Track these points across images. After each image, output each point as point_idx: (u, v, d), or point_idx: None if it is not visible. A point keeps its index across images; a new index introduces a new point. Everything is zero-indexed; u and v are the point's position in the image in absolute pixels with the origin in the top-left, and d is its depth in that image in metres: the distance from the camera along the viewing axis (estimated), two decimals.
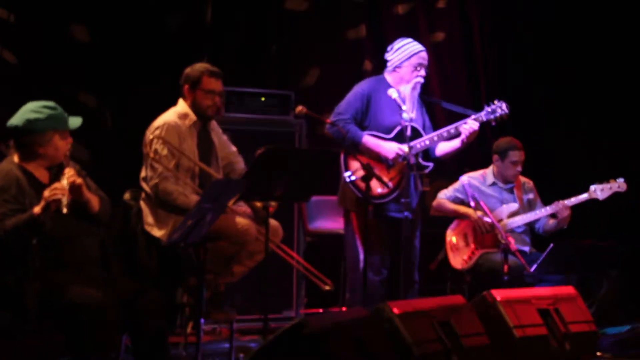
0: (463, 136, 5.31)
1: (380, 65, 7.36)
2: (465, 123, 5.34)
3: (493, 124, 5.42)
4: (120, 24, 6.44)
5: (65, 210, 3.98)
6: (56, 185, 4.03)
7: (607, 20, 7.55)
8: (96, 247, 4.38)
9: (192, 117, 4.94)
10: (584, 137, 7.56)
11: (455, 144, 5.41)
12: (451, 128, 5.35)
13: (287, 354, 3.56)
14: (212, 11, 6.88)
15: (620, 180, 5.95)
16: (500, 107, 5.39)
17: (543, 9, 7.70)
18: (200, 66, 4.97)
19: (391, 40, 5.54)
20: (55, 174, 4.24)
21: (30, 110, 4.18)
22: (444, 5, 7.87)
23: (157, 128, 4.85)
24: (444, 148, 5.47)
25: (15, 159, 4.23)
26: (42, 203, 4.00)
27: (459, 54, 7.89)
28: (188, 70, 4.99)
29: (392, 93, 5.28)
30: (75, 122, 4.31)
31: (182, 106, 4.97)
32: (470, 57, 7.92)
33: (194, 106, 4.95)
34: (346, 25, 7.53)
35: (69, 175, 4.10)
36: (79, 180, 4.12)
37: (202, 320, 4.66)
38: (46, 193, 4.00)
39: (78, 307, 3.97)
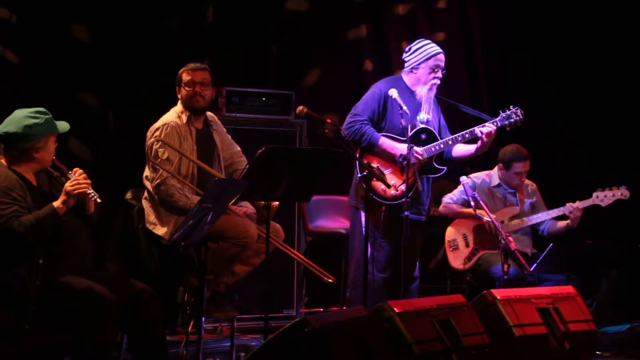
0: (483, 136, 5.27)
1: (380, 65, 7.44)
2: (483, 126, 5.33)
3: (507, 129, 5.41)
4: (121, 24, 6.45)
5: (99, 200, 4.12)
6: (78, 179, 4.08)
7: (609, 20, 7.54)
8: (89, 242, 4.40)
9: (187, 113, 5.01)
10: (585, 138, 7.55)
11: (471, 148, 5.42)
12: (466, 133, 5.34)
13: (288, 353, 3.57)
14: (213, 11, 6.89)
15: (623, 187, 5.95)
16: (515, 113, 5.37)
17: (543, 9, 7.71)
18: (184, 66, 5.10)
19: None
20: (49, 176, 4.28)
21: (25, 117, 4.16)
22: (444, 5, 7.87)
23: (157, 130, 4.89)
24: (460, 149, 5.46)
25: (4, 162, 4.22)
26: (63, 197, 4.05)
27: (459, 54, 7.89)
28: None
29: (393, 93, 5.28)
30: (64, 126, 4.31)
31: (179, 106, 5.06)
32: (470, 57, 7.92)
33: (183, 103, 5.03)
34: (346, 25, 7.53)
35: (80, 172, 4.15)
36: (88, 180, 4.16)
37: (203, 319, 4.68)
38: (69, 187, 4.05)
39: (81, 306, 3.99)
